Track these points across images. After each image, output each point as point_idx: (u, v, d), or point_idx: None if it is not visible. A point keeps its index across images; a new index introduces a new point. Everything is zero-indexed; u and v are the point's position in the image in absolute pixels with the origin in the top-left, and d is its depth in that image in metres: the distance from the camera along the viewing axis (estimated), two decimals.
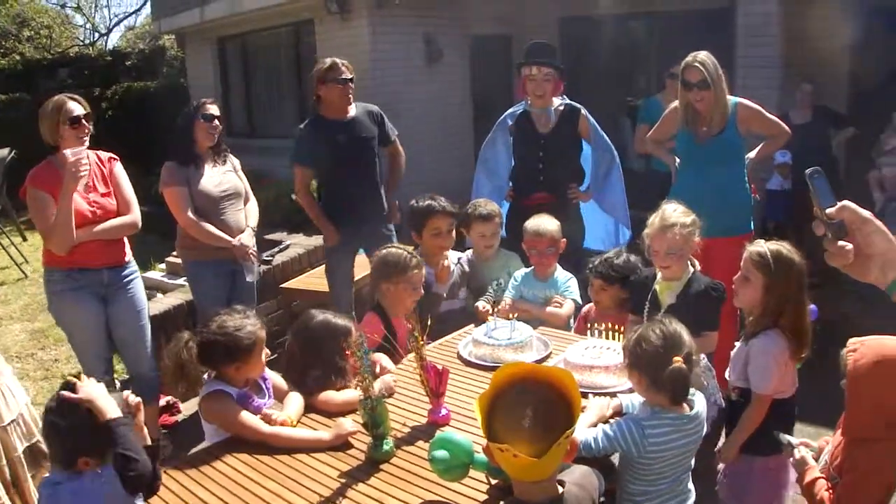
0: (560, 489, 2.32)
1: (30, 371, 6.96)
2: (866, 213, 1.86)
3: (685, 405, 2.99)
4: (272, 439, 3.20)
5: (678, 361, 2.88)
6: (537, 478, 2.24)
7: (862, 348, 2.83)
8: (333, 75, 5.78)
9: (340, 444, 3.17)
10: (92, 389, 2.64)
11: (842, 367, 2.91)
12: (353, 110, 5.99)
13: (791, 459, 3.16)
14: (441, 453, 2.75)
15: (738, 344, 3.66)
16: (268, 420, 3.22)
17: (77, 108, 4.72)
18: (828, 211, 1.88)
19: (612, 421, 3.10)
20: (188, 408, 5.94)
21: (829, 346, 3.24)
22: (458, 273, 4.93)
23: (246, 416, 3.24)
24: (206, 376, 3.38)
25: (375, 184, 6.10)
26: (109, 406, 2.61)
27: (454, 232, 4.92)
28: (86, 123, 4.74)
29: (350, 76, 5.83)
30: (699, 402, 3.04)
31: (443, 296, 4.71)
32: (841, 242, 1.86)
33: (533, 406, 2.19)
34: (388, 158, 6.29)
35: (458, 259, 4.97)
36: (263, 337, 3.38)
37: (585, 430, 2.97)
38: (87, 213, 4.70)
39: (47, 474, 2.61)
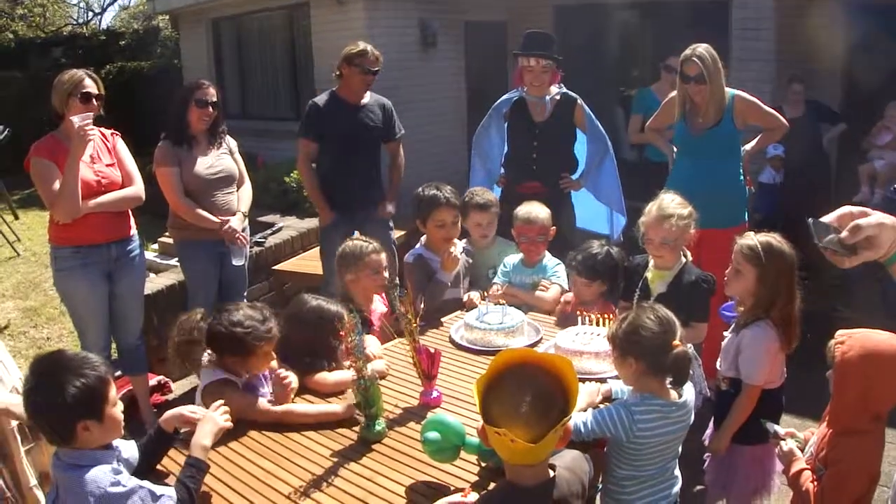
0: (551, 473, 2.35)
1: (22, 349, 6.98)
2: (874, 219, 1.94)
3: (674, 392, 3.02)
4: (287, 417, 3.26)
5: (678, 345, 2.90)
6: (531, 462, 2.27)
7: (850, 341, 2.86)
8: (361, 61, 5.88)
9: (350, 416, 3.23)
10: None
11: (828, 358, 2.95)
12: (366, 97, 6.09)
13: (777, 450, 3.20)
14: (433, 435, 2.78)
15: (727, 334, 3.69)
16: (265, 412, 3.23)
17: (92, 86, 4.81)
18: (843, 235, 2.01)
19: (601, 406, 3.13)
20: (178, 388, 5.98)
21: (815, 339, 3.29)
22: (463, 262, 4.91)
23: (259, 403, 3.28)
24: (205, 360, 3.39)
25: (374, 173, 6.16)
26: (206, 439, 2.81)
27: (460, 222, 4.91)
28: (96, 103, 4.80)
29: (376, 69, 5.94)
30: (688, 391, 3.07)
31: (447, 284, 4.69)
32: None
33: (532, 392, 2.20)
34: (388, 157, 6.34)
35: (463, 248, 4.95)
36: (273, 341, 3.38)
37: (575, 415, 2.99)
38: (92, 182, 4.76)
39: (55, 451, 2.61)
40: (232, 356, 3.30)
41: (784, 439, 3.17)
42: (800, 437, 3.23)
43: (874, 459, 2.93)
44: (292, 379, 3.36)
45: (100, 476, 2.46)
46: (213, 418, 2.88)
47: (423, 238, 4.98)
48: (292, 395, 3.39)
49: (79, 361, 2.55)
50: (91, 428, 2.49)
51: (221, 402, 2.98)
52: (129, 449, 2.76)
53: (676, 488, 3.16)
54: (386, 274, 4.38)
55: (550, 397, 2.22)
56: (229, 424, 2.92)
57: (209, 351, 3.36)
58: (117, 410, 2.60)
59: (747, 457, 3.57)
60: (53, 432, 2.53)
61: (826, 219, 2.11)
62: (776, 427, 3.26)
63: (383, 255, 4.38)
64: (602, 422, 2.94)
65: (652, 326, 2.95)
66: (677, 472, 3.18)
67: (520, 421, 2.17)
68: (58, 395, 2.44)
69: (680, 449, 3.15)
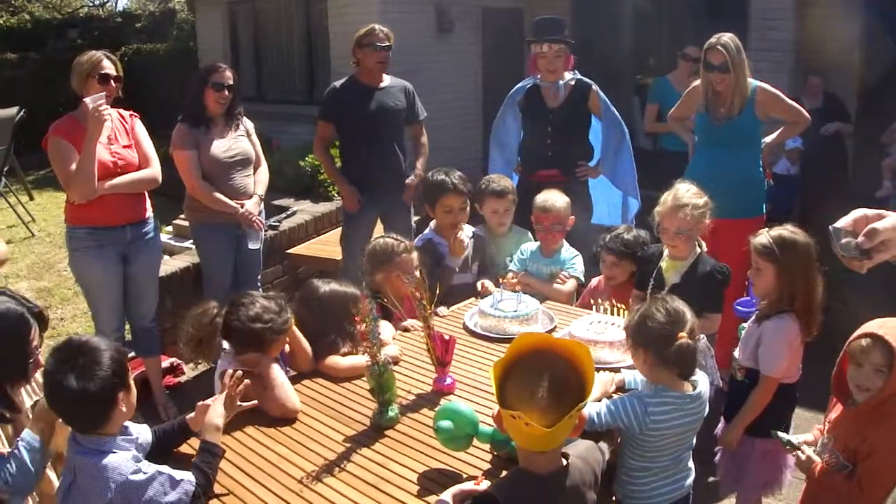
0: (564, 461, 2.35)
1: None
2: (890, 222, 1.95)
3: (688, 384, 3.01)
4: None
5: (683, 337, 2.89)
6: (545, 448, 2.27)
7: (886, 330, 2.86)
8: (370, 40, 5.82)
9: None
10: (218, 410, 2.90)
11: (852, 352, 2.93)
12: (386, 80, 6.04)
13: (795, 461, 3.18)
14: (446, 423, 2.78)
15: (747, 325, 3.67)
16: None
17: (110, 67, 4.82)
18: (859, 240, 2.02)
19: (615, 396, 3.13)
20: (191, 370, 5.99)
21: (827, 332, 3.28)
22: (471, 247, 4.94)
23: (278, 393, 3.25)
24: (226, 346, 3.38)
25: (398, 156, 6.09)
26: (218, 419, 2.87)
27: (468, 208, 4.92)
28: (114, 84, 4.82)
29: (387, 44, 5.87)
30: (702, 383, 3.05)
31: (455, 269, 4.74)
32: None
33: (549, 377, 2.21)
34: (412, 141, 6.29)
35: (473, 233, 4.99)
36: (290, 329, 3.42)
37: (589, 405, 2.99)
38: (109, 163, 4.77)
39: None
40: (250, 349, 3.29)
41: (799, 448, 3.15)
42: (811, 439, 3.22)
43: None
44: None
45: (121, 463, 2.48)
46: (216, 411, 2.90)
47: (433, 223, 5.01)
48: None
49: (94, 341, 2.60)
50: (124, 399, 2.55)
51: (230, 371, 3.03)
52: (144, 434, 2.79)
53: (689, 480, 3.15)
54: (417, 273, 4.32)
55: (567, 383, 2.22)
56: (240, 407, 2.95)
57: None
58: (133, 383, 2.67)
59: (758, 450, 3.55)
60: (91, 413, 2.53)
61: (841, 223, 2.09)
62: (788, 437, 3.23)
63: (415, 255, 4.36)
64: (615, 413, 2.94)
65: (659, 318, 2.95)
66: (691, 463, 3.17)
67: (535, 406, 2.18)
68: (96, 370, 2.48)
69: (694, 441, 3.14)
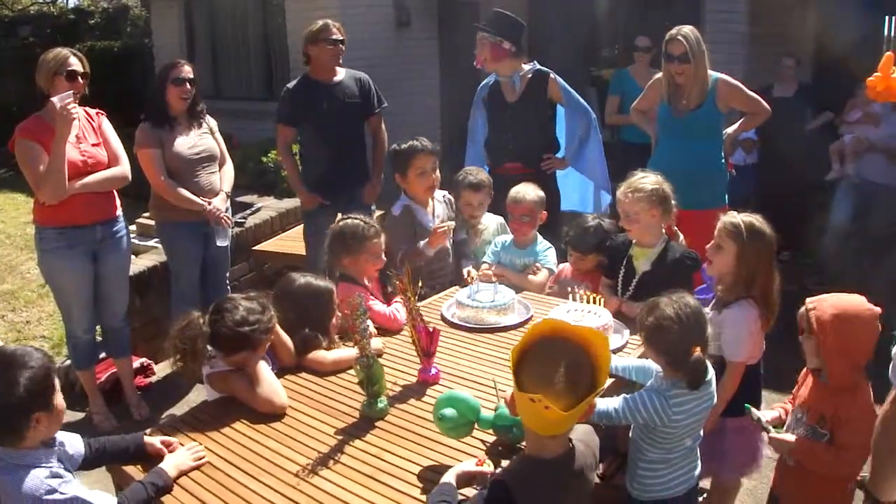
0: (570, 444, 2.42)
1: (1, 334, 6.91)
2: None
3: None
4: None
5: (697, 351, 2.90)
6: (557, 432, 2.33)
7: (822, 305, 3.01)
8: (325, 35, 5.79)
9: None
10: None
11: (799, 325, 3.07)
12: (340, 74, 6.01)
13: (768, 440, 3.28)
14: (449, 412, 2.82)
15: (708, 311, 3.74)
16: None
17: (77, 64, 4.79)
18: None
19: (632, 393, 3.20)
20: (161, 370, 5.97)
21: (789, 316, 3.40)
22: (445, 213, 5.02)
23: (262, 389, 3.26)
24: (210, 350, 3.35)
25: (358, 151, 6.11)
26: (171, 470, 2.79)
27: (438, 170, 4.94)
28: (81, 81, 4.79)
29: (341, 38, 5.85)
30: (710, 369, 3.08)
31: (430, 255, 4.77)
32: None
33: (565, 362, 2.28)
34: (371, 134, 6.28)
35: (443, 197, 5.10)
36: (274, 327, 3.43)
37: (599, 400, 3.04)
38: (78, 162, 4.75)
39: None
40: (239, 353, 3.29)
41: (767, 429, 3.27)
42: (781, 415, 3.34)
43: (873, 405, 3.03)
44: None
45: (38, 484, 2.48)
46: (184, 454, 2.89)
47: (404, 193, 5.03)
48: None
49: (21, 354, 2.57)
50: (42, 420, 2.52)
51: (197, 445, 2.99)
52: (74, 443, 2.79)
53: (698, 470, 3.22)
54: (384, 258, 4.35)
55: (582, 369, 2.29)
56: (198, 463, 2.89)
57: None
58: (61, 398, 2.63)
59: (730, 427, 3.62)
60: (5, 431, 2.52)
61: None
62: (760, 413, 3.34)
63: (383, 238, 4.36)
64: (634, 409, 2.97)
65: (673, 326, 2.94)
66: (698, 452, 3.23)
67: (552, 390, 2.23)
68: (11, 389, 2.46)
69: (702, 432, 3.18)
